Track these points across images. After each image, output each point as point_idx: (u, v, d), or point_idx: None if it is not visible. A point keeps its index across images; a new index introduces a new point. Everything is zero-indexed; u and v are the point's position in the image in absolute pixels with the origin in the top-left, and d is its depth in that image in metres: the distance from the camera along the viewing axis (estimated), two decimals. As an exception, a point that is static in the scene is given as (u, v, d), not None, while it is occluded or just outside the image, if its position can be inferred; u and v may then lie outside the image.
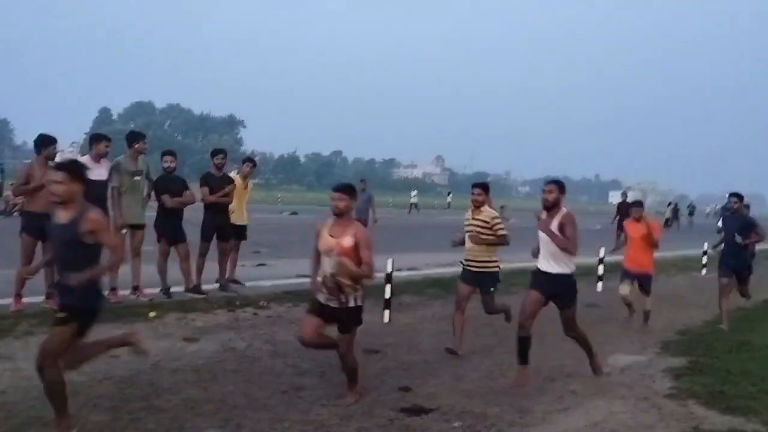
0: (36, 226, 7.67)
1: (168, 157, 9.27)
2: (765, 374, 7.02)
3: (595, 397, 6.18)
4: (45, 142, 7.92)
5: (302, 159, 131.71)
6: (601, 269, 13.24)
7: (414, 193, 49.13)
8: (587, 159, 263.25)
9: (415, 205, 45.48)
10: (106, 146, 8.49)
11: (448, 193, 65.17)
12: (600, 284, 13.04)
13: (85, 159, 8.45)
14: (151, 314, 7.92)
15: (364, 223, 17.11)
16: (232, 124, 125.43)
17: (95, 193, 8.32)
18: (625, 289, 9.81)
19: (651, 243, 9.73)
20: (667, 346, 8.43)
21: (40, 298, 7.91)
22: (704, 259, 17.24)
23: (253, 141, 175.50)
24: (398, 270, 11.14)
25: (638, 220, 9.90)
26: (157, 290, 9.00)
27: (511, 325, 9.26)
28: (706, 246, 17.11)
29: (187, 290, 9.18)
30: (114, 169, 8.57)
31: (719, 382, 6.66)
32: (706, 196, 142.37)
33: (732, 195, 9.89)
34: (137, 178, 8.80)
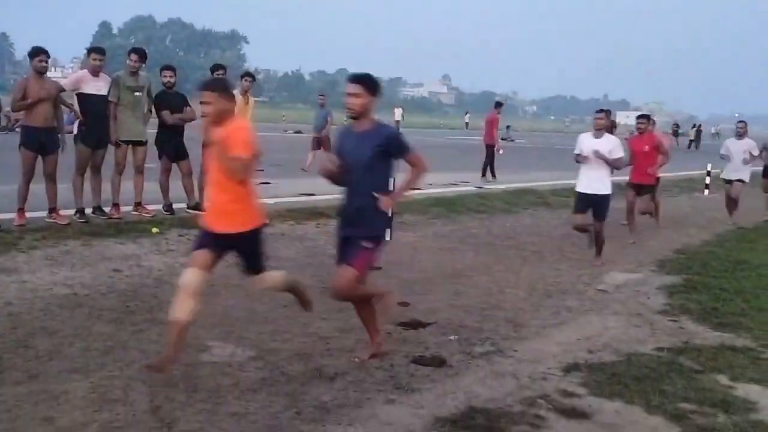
0: (35, 140, 7.68)
1: (167, 72, 9.15)
2: (759, 292, 7.13)
3: (590, 313, 6.31)
4: (33, 54, 7.79)
5: (307, 77, 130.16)
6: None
7: (399, 111, 48.21)
8: (596, 79, 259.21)
9: (398, 123, 44.86)
10: (94, 59, 8.33)
11: (466, 113, 64.54)
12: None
13: (82, 73, 8.37)
14: (154, 230, 8.00)
15: (323, 141, 16.16)
16: (234, 39, 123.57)
17: (95, 108, 8.30)
18: None
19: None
20: (664, 264, 8.52)
21: (43, 213, 7.99)
22: (707, 180, 17.21)
23: (257, 58, 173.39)
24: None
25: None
26: (159, 207, 9.06)
27: (508, 244, 9.38)
28: (710, 167, 17.07)
29: (189, 207, 9.23)
30: (114, 84, 8.49)
31: (712, 300, 6.78)
32: (716, 117, 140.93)
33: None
34: (138, 93, 8.72)
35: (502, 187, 14.53)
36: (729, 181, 12.11)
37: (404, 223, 9.95)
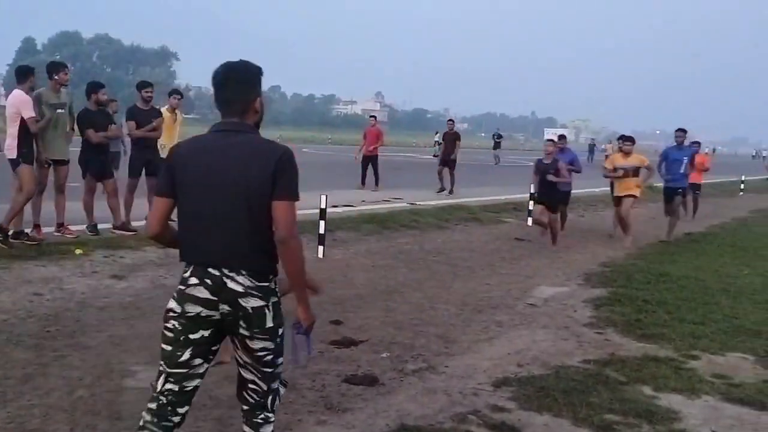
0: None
1: (103, 90, 9.05)
2: (680, 303, 7.38)
3: (519, 327, 6.40)
4: None
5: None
6: (531, 204, 13.50)
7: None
8: (524, 97, 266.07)
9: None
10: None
11: (436, 132, 61.02)
12: (530, 219, 13.32)
13: (27, 96, 7.94)
14: (78, 251, 7.73)
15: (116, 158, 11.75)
16: (164, 56, 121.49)
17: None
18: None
19: None
20: (590, 277, 8.73)
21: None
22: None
23: (188, 74, 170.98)
24: (334, 206, 11.14)
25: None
26: (83, 227, 8.78)
27: (440, 260, 9.45)
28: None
29: (115, 227, 8.98)
30: (35, 101, 8.19)
31: (636, 312, 6.98)
32: (638, 134, 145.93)
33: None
34: (60, 111, 8.45)
35: (433, 203, 14.67)
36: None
37: (337, 240, 9.93)
